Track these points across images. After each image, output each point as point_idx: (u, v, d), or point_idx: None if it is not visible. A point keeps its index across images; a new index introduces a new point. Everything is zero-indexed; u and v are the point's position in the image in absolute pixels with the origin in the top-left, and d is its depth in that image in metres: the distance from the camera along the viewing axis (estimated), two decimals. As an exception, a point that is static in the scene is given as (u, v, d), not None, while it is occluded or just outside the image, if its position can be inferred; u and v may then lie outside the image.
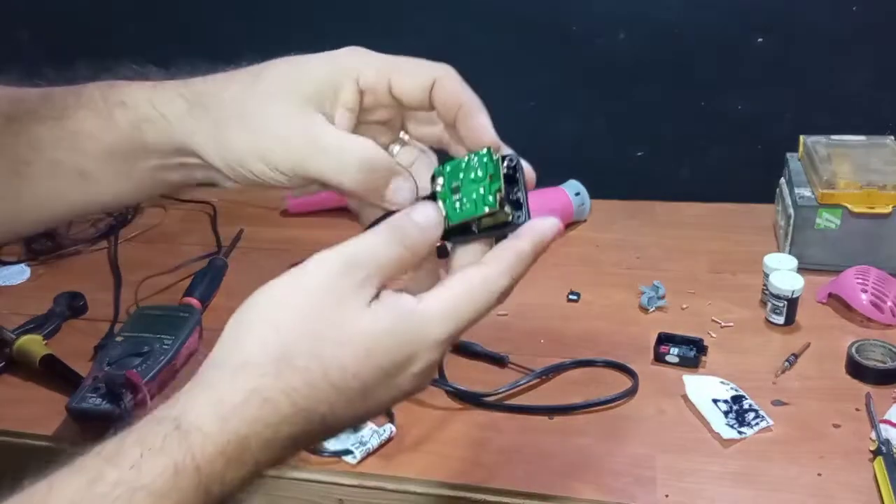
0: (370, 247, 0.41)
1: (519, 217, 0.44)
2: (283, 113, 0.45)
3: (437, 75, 0.45)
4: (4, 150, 0.52)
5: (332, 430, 0.41)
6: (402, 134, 0.49)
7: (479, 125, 0.45)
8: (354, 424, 0.42)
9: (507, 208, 0.43)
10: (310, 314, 0.39)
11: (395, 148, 0.49)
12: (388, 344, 0.40)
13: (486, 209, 0.42)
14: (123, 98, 0.49)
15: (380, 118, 0.48)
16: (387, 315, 0.40)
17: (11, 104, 0.53)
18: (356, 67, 0.45)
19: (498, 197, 0.42)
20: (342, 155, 0.44)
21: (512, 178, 0.44)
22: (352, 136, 0.45)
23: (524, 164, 0.45)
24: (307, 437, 0.39)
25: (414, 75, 0.45)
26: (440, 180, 0.45)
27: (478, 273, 0.42)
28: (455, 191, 0.44)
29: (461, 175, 0.44)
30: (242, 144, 0.45)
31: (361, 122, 0.47)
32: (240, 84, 0.47)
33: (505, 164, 0.44)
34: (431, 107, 0.45)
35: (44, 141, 0.51)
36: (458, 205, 0.43)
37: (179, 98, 0.48)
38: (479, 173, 0.43)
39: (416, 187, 0.45)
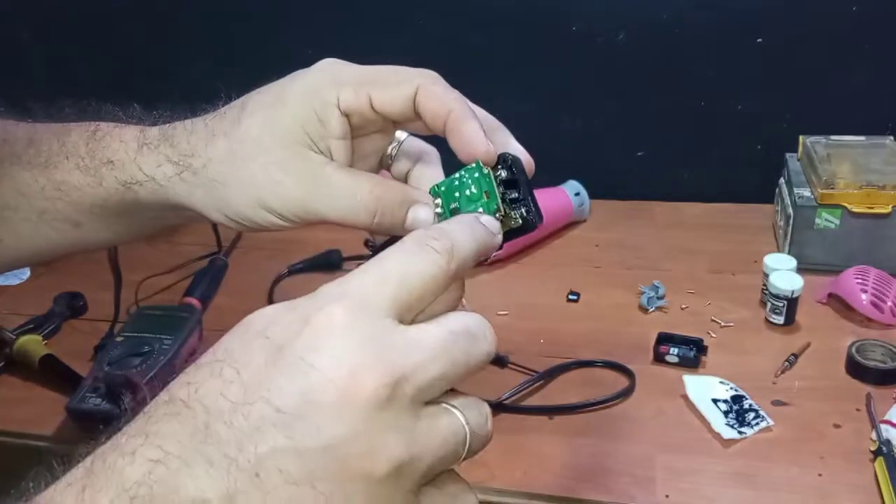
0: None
1: (530, 219, 0.41)
2: (277, 161, 0.43)
3: (420, 83, 0.42)
4: None
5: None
6: (397, 133, 0.47)
7: (469, 134, 0.41)
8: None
9: (514, 214, 0.41)
10: None
11: (394, 151, 0.47)
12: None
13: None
14: (110, 156, 0.48)
15: (372, 130, 0.46)
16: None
17: None
18: (333, 92, 0.42)
19: (498, 216, 0.40)
20: (354, 197, 0.43)
21: (512, 181, 0.42)
22: (358, 175, 0.43)
23: (521, 152, 0.43)
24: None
25: (394, 86, 0.42)
26: (438, 201, 0.43)
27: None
28: (455, 212, 0.42)
29: (457, 194, 0.42)
30: (241, 200, 0.44)
31: (355, 138, 0.45)
32: (224, 138, 0.45)
33: (500, 170, 0.41)
34: (418, 116, 0.42)
35: (31, 188, 0.50)
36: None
37: (167, 162, 0.46)
38: (474, 190, 0.41)
39: (434, 207, 0.43)
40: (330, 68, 0.44)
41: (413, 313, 0.34)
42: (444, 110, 0.41)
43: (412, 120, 0.43)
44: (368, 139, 0.46)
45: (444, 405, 0.34)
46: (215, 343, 0.35)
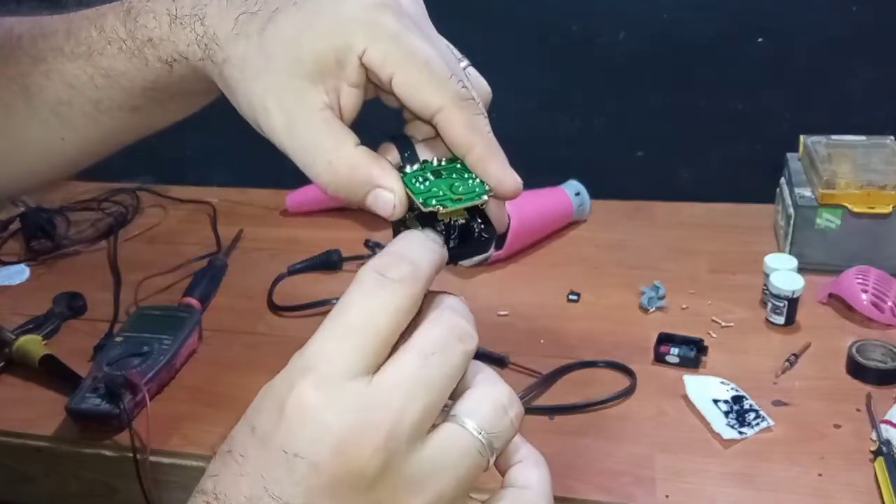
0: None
1: (490, 233, 0.41)
2: (276, 88, 0.40)
3: (443, 105, 0.39)
4: (41, 92, 0.51)
5: None
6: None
7: (496, 174, 0.39)
8: None
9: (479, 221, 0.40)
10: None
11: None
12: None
13: (485, 196, 0.40)
14: (149, 34, 0.46)
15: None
16: None
17: (34, 43, 0.51)
18: (363, 41, 0.39)
19: (486, 188, 0.40)
20: (314, 155, 0.40)
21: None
22: (337, 139, 0.40)
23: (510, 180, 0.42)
24: None
25: (421, 86, 0.39)
26: (415, 166, 0.41)
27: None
28: (436, 174, 0.41)
29: (435, 165, 0.41)
30: (243, 109, 0.43)
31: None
32: (245, 42, 0.42)
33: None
34: (431, 125, 0.40)
35: (80, 80, 0.49)
36: (442, 190, 0.40)
37: (195, 43, 0.44)
38: (459, 166, 0.41)
39: (402, 198, 0.40)
40: (377, 11, 0.39)
41: (387, 351, 0.33)
42: (465, 144, 0.40)
43: (428, 123, 0.41)
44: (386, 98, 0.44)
45: (449, 422, 0.33)
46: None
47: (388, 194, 0.39)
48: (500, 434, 0.34)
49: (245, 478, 0.32)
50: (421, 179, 0.40)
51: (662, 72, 1.18)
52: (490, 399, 0.35)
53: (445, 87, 0.39)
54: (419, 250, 0.36)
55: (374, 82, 0.42)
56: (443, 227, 0.40)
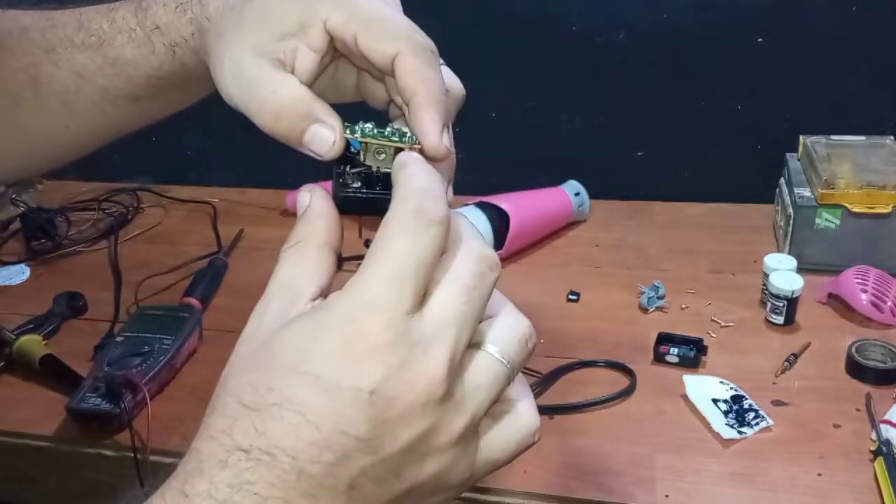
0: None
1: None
2: (237, 42, 0.42)
3: (400, 49, 0.40)
4: (50, 81, 0.53)
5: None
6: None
7: (424, 125, 0.39)
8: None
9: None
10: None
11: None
12: (301, 339, 0.34)
13: (408, 142, 0.39)
14: (156, 22, 0.49)
15: (360, 66, 0.44)
16: (308, 315, 0.35)
17: (43, 34, 0.53)
18: (327, 11, 0.41)
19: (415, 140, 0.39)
20: (258, 90, 0.41)
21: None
22: (276, 75, 0.41)
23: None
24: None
25: (379, 38, 0.40)
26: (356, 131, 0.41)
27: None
28: (366, 146, 0.41)
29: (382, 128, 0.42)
30: (213, 76, 0.44)
31: (337, 62, 0.44)
32: (231, 13, 0.44)
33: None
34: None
35: (88, 69, 0.52)
36: (373, 131, 0.40)
37: (192, 23, 0.47)
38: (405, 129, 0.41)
39: (341, 137, 0.40)
40: None
41: (427, 286, 0.35)
42: (410, 89, 0.40)
43: (391, 75, 0.41)
44: (349, 71, 0.46)
45: (482, 350, 0.37)
46: (237, 374, 0.36)
47: (327, 131, 0.40)
48: (520, 362, 0.38)
49: (308, 427, 0.32)
50: (358, 127, 0.41)
51: (662, 72, 1.18)
52: (516, 332, 0.38)
53: (402, 34, 0.40)
54: (438, 183, 0.37)
55: (342, 52, 0.43)
56: (371, 172, 0.40)
